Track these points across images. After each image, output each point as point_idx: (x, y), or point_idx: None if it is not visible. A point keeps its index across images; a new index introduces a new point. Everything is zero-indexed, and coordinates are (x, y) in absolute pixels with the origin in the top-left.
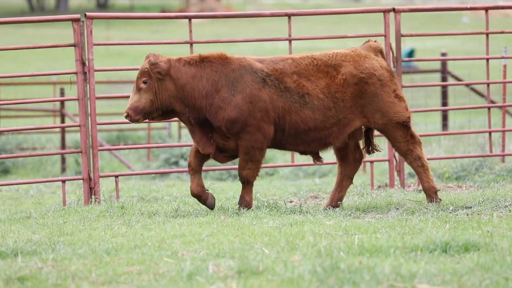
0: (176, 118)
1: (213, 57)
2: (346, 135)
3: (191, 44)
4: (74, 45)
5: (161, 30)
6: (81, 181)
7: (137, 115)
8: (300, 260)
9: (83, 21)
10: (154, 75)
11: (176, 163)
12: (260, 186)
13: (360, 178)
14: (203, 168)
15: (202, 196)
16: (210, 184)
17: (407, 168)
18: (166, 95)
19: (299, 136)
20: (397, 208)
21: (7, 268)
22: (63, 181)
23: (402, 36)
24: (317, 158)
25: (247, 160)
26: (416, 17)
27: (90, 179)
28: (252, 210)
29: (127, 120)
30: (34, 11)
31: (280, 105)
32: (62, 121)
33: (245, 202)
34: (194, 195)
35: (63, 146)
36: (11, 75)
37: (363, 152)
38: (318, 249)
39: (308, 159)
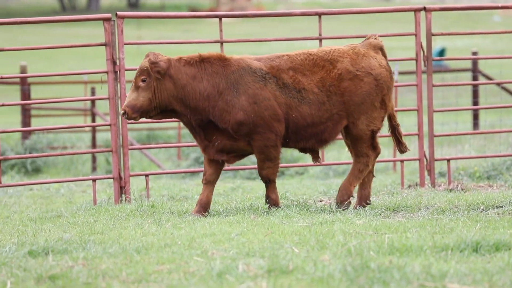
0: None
1: (213, 58)
2: (338, 131)
3: (221, 43)
4: (105, 45)
5: (192, 29)
6: (112, 180)
7: (134, 113)
8: (330, 259)
9: (114, 20)
10: (154, 74)
11: None
12: (290, 185)
13: (390, 177)
14: (234, 166)
15: (201, 210)
16: (240, 183)
17: (438, 167)
18: (165, 94)
19: (299, 132)
20: (428, 208)
21: (38, 267)
22: (94, 180)
23: (433, 35)
24: (316, 158)
25: (264, 160)
26: (447, 16)
27: (120, 178)
28: (282, 209)
29: (156, 120)
30: (66, 10)
31: (283, 101)
32: (93, 120)
33: (272, 200)
34: (199, 203)
35: (93, 145)
36: (43, 74)
37: (380, 146)
38: (348, 248)
39: (337, 157)
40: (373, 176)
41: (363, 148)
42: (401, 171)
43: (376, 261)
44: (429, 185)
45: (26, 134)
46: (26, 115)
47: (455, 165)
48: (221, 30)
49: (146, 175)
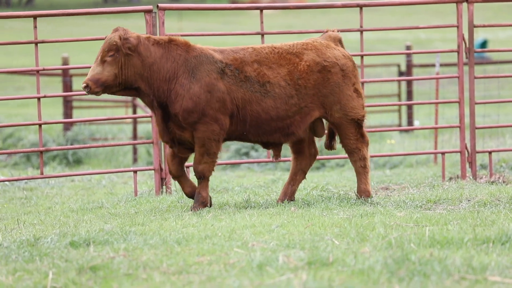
0: None
1: (179, 42)
2: (307, 124)
3: (262, 35)
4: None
5: (233, 21)
6: (153, 171)
7: (98, 87)
8: (370, 251)
9: (155, 12)
10: (125, 50)
11: (246, 154)
12: (330, 177)
13: (431, 169)
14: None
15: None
16: (280, 175)
17: (479, 160)
18: (132, 71)
19: (261, 127)
20: (469, 200)
21: (80, 258)
22: (135, 172)
23: (475, 26)
24: (277, 154)
25: (203, 153)
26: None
27: (161, 169)
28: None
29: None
30: (108, 2)
31: (240, 96)
32: (134, 112)
33: (201, 197)
34: (190, 196)
35: (134, 136)
36: (85, 66)
37: (367, 134)
38: (389, 241)
39: (378, 150)
40: (305, 177)
41: (351, 141)
42: (442, 164)
43: (416, 254)
44: (471, 177)
45: (68, 126)
46: (68, 106)
47: (496, 157)
48: (262, 22)
49: (187, 167)
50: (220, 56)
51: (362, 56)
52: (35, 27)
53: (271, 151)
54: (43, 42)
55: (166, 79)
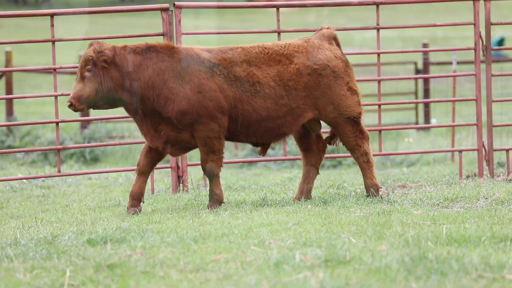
0: None
1: (160, 47)
2: (299, 125)
3: (279, 33)
4: (163, 35)
5: (249, 19)
6: (169, 169)
7: (81, 104)
8: (387, 249)
9: (171, 10)
10: (100, 63)
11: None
12: (347, 175)
13: (448, 167)
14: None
15: (135, 204)
16: (297, 173)
17: (496, 158)
18: (112, 83)
19: (252, 127)
20: (486, 198)
21: (97, 255)
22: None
23: (492, 24)
24: (264, 151)
25: (208, 152)
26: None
27: (178, 167)
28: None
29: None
30: (124, 1)
31: (231, 95)
32: None
33: (215, 195)
34: (132, 195)
35: None
36: None
37: (366, 130)
38: (406, 239)
39: (395, 147)
40: (318, 173)
41: (350, 139)
42: (459, 161)
43: (434, 252)
44: (488, 175)
45: (84, 124)
46: None
47: None
48: (278, 20)
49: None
50: (208, 56)
51: (378, 54)
52: (52, 25)
53: (288, 149)
54: (60, 40)
55: (149, 86)
